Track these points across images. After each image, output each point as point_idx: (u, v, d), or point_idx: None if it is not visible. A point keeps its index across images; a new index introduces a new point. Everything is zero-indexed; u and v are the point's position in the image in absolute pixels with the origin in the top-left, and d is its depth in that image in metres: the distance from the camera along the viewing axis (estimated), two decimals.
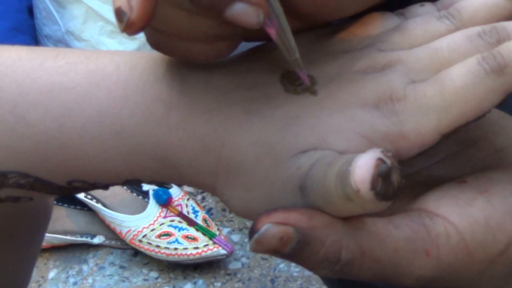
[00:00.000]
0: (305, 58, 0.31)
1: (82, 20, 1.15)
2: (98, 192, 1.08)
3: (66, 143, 0.31)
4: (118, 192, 1.08)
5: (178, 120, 0.30)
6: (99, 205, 1.07)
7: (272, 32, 0.29)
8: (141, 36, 1.04)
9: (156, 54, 0.32)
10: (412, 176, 0.33)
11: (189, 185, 0.32)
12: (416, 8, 0.33)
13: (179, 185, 0.35)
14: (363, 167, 0.24)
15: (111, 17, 1.09)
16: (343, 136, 0.28)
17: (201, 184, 0.31)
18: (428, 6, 0.33)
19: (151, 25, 0.29)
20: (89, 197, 1.07)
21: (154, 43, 0.30)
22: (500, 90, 0.28)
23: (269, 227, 0.26)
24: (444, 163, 0.33)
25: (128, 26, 0.26)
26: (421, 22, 0.32)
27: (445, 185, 0.30)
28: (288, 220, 0.26)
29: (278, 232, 0.26)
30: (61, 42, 1.17)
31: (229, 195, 0.30)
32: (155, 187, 1.07)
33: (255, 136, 0.29)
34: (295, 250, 0.27)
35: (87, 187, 0.32)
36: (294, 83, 0.30)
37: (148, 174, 0.31)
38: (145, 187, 1.08)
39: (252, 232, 0.27)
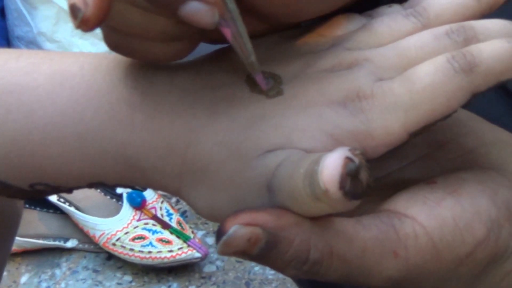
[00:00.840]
0: (271, 59, 0.31)
1: (53, 21, 1.14)
2: (71, 195, 1.07)
3: (28, 145, 0.30)
4: (91, 195, 1.08)
5: (142, 121, 0.30)
6: (72, 208, 1.06)
7: (227, 33, 0.28)
8: None
9: (121, 56, 0.32)
10: (383, 178, 0.33)
11: (154, 188, 0.31)
12: (384, 9, 0.33)
13: (145, 188, 0.35)
14: (331, 166, 0.24)
15: None
16: (309, 135, 0.28)
17: (166, 186, 0.31)
18: (396, 7, 0.33)
19: (107, 24, 0.28)
20: (62, 200, 1.07)
21: (112, 43, 0.30)
22: (468, 89, 0.28)
23: (236, 229, 0.26)
24: (414, 165, 0.33)
25: (82, 22, 0.26)
26: (387, 20, 0.32)
27: (414, 186, 0.30)
28: (255, 220, 0.26)
29: (246, 233, 0.26)
30: (33, 43, 1.16)
31: (195, 197, 0.30)
32: (129, 190, 1.07)
33: (221, 136, 0.29)
34: (264, 251, 0.26)
35: (50, 190, 0.32)
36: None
37: (112, 177, 0.31)
38: (119, 189, 1.07)
39: (219, 234, 0.26)
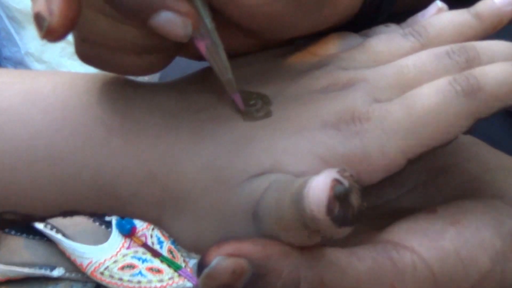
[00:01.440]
0: (258, 78, 0.31)
1: (42, 41, 1.13)
2: (58, 221, 1.07)
3: None
4: (79, 221, 1.07)
5: (120, 145, 0.29)
6: (59, 235, 1.05)
7: (201, 46, 0.28)
8: None
9: (99, 74, 0.31)
10: (379, 207, 0.32)
11: (133, 217, 0.30)
12: (380, 28, 0.33)
13: (123, 217, 0.34)
14: (317, 189, 0.23)
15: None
16: (299, 158, 0.27)
17: (146, 216, 0.30)
18: (393, 26, 0.33)
19: (77, 35, 0.28)
20: (48, 226, 1.06)
21: (82, 54, 0.29)
22: (471, 114, 0.27)
23: (220, 260, 0.25)
24: (413, 193, 0.32)
25: (48, 32, 0.25)
26: (385, 39, 0.31)
27: (413, 215, 0.29)
28: (240, 251, 0.25)
29: (230, 264, 0.25)
30: (21, 64, 1.16)
31: (177, 227, 0.29)
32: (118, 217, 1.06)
33: (204, 161, 0.28)
34: (250, 284, 0.25)
35: (20, 220, 0.31)
36: (247, 103, 0.30)
37: (87, 205, 0.30)
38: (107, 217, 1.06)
39: (201, 266, 0.25)
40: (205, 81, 0.31)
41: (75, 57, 0.99)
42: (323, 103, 0.29)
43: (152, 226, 1.07)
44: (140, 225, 1.06)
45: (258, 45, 0.32)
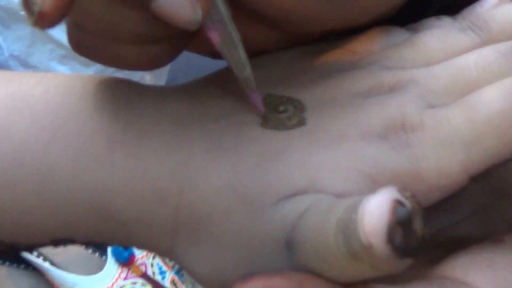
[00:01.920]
0: (289, 79, 0.31)
1: (28, 43, 1.16)
2: (46, 248, 1.06)
3: None
4: (69, 248, 1.07)
5: (123, 160, 0.29)
6: (46, 264, 1.05)
7: (214, 37, 0.28)
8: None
9: (98, 76, 0.31)
10: (432, 236, 0.32)
11: (138, 247, 0.30)
12: (431, 21, 0.33)
13: (127, 247, 0.35)
14: (375, 212, 0.22)
15: (63, 39, 1.11)
16: (341, 175, 0.27)
17: (154, 245, 0.30)
18: (447, 19, 0.32)
19: (71, 21, 0.28)
20: (34, 253, 1.07)
21: (76, 44, 0.29)
22: None
23: None
24: (471, 219, 0.31)
25: (40, 18, 0.25)
26: (438, 34, 0.31)
27: (475, 246, 0.28)
28: None
29: None
30: (4, 68, 1.18)
31: (193, 258, 0.29)
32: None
33: (225, 179, 0.28)
34: None
35: (3, 249, 0.31)
36: (276, 109, 0.30)
37: (84, 233, 0.30)
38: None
39: None
40: (224, 84, 0.31)
41: (66, 60, 1.00)
42: (367, 109, 0.28)
43: (153, 254, 1.07)
44: (140, 253, 1.06)
45: (284, 40, 0.32)
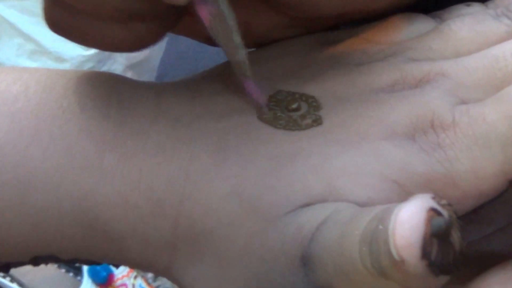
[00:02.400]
0: (301, 73, 0.31)
1: None
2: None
3: None
4: (41, 266, 1.06)
5: (114, 165, 0.29)
6: (14, 285, 1.05)
7: (204, 14, 0.28)
8: (72, 58, 1.04)
9: (85, 72, 0.31)
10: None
11: (132, 265, 0.30)
12: (460, 9, 0.33)
13: (118, 265, 0.35)
14: (409, 223, 0.22)
15: (33, 32, 1.12)
16: (364, 181, 0.27)
17: (150, 262, 0.29)
18: (477, 6, 0.32)
19: None
20: (0, 274, 1.05)
21: (53, 22, 0.29)
22: None
23: None
24: (505, 232, 0.31)
25: None
26: (469, 22, 0.31)
27: (510, 262, 0.28)
28: None
29: None
30: None
31: (193, 278, 0.29)
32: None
33: (230, 186, 0.28)
34: None
35: None
36: (287, 107, 0.29)
37: (68, 248, 0.30)
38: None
39: None
40: (228, 79, 0.31)
41: (36, 56, 1.00)
42: (390, 106, 0.28)
43: (134, 273, 1.08)
44: (119, 272, 1.06)
45: (293, 27, 0.32)
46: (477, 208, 0.27)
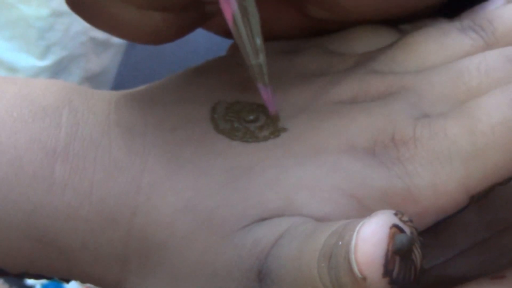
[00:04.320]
0: None
1: None
2: None
3: None
4: None
5: (65, 176, 0.28)
6: None
7: (226, 10, 0.27)
8: (26, 69, 1.03)
9: (37, 80, 0.31)
10: (425, 275, 0.33)
11: (82, 279, 0.30)
12: (426, 22, 0.33)
13: (68, 279, 0.35)
14: (371, 239, 0.22)
15: None
16: (321, 195, 0.27)
17: (101, 276, 0.29)
18: (443, 20, 0.33)
19: None
20: None
21: (73, 1, 0.29)
22: None
23: None
24: (467, 257, 0.32)
25: None
26: (435, 34, 0.31)
27: (473, 283, 0.28)
28: None
29: None
30: None
31: None
32: (44, 281, 1.05)
33: (185, 199, 0.28)
34: None
35: None
36: (245, 118, 0.29)
37: (17, 261, 0.29)
38: (29, 280, 1.06)
39: None
40: (185, 87, 0.31)
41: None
42: (350, 118, 0.28)
43: None
44: None
45: (309, 29, 0.32)
46: (439, 231, 0.28)
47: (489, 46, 0.30)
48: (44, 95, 0.30)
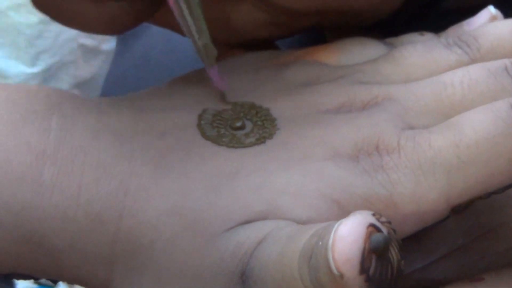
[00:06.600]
0: (246, 91, 0.31)
1: None
2: None
3: None
4: None
5: (53, 179, 0.28)
6: None
7: None
8: (16, 75, 1.03)
9: (27, 86, 0.31)
10: (402, 280, 0.32)
11: (70, 280, 0.30)
12: (413, 37, 0.33)
13: (55, 280, 0.34)
14: (348, 238, 0.22)
15: None
16: (304, 200, 0.27)
17: (88, 277, 0.29)
18: (430, 35, 0.33)
19: None
20: None
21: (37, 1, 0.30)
22: None
23: None
24: (447, 261, 0.32)
25: None
26: (421, 49, 0.31)
27: (453, 285, 0.29)
28: None
29: None
30: None
31: None
32: (31, 284, 1.03)
33: (171, 202, 0.28)
34: None
35: None
36: (232, 125, 0.30)
37: (6, 263, 0.29)
38: (19, 283, 1.05)
39: None
40: (172, 95, 0.31)
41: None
42: (335, 127, 0.28)
43: None
44: None
45: (270, 26, 0.33)
46: (420, 237, 0.28)
47: (474, 62, 0.30)
48: (34, 100, 0.30)
